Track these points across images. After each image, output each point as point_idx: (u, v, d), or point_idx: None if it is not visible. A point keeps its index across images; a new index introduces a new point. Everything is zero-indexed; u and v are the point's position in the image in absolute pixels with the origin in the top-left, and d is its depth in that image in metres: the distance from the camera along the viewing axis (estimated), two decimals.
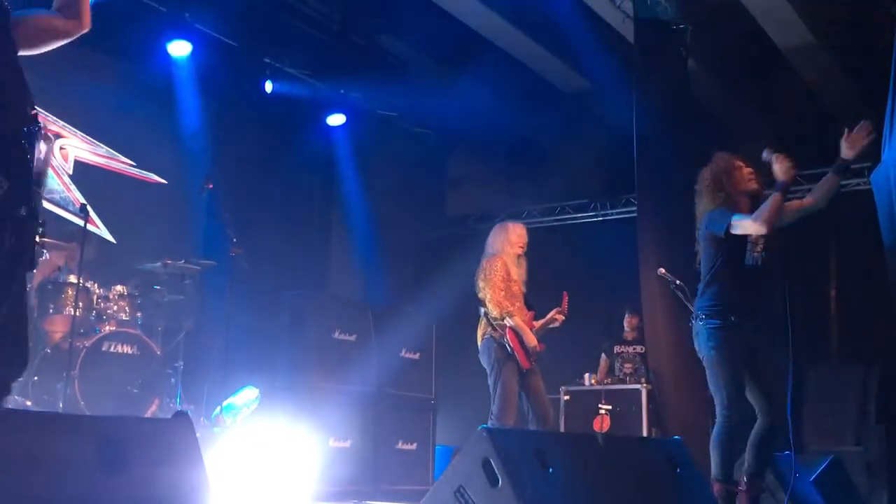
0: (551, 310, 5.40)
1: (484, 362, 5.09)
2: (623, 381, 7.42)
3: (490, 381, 5.02)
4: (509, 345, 4.97)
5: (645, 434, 6.79)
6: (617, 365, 7.76)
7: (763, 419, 4.07)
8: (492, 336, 5.03)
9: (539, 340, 5.10)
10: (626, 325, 7.89)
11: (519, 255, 5.25)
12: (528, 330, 5.02)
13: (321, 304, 7.23)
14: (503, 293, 5.01)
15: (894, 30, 6.38)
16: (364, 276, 9.00)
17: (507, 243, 5.21)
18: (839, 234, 7.91)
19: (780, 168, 3.92)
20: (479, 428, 2.97)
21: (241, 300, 5.99)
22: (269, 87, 7.99)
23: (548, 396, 5.17)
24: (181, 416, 2.11)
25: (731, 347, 4.01)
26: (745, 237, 4.09)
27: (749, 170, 4.17)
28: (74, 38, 2.61)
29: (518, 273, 5.18)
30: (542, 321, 5.25)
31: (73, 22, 2.60)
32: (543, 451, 3.01)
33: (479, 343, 5.18)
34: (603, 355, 7.86)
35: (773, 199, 3.88)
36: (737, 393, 3.98)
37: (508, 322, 4.98)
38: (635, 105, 7.35)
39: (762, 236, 4.10)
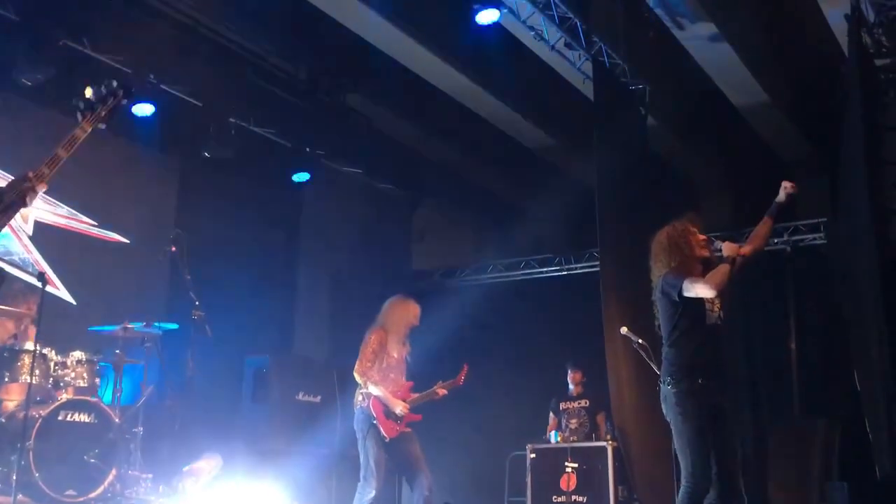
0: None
1: (356, 430, 5.22)
2: (573, 439, 7.37)
3: (360, 449, 5.16)
4: (373, 415, 5.09)
5: (611, 492, 6.77)
6: (563, 421, 7.72)
7: (713, 486, 4.05)
8: (361, 407, 5.17)
9: (416, 411, 5.24)
10: (570, 380, 7.85)
11: (407, 334, 5.40)
12: (393, 398, 5.14)
13: (284, 366, 7.17)
14: (369, 363, 5.16)
15: (844, 90, 6.61)
16: (329, 335, 8.94)
17: (403, 321, 5.36)
18: (798, 288, 8.04)
19: (727, 250, 4.17)
20: None
21: (203, 363, 5.91)
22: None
23: (425, 463, 5.20)
24: None
25: (698, 412, 4.03)
26: (702, 299, 4.16)
27: (702, 237, 4.26)
28: None
29: (398, 350, 5.32)
30: (421, 394, 5.36)
31: None
32: None
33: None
34: (551, 414, 7.84)
35: (722, 268, 4.12)
36: (703, 458, 3.99)
37: (371, 389, 5.11)
38: (596, 162, 7.46)
39: (718, 297, 4.17)
